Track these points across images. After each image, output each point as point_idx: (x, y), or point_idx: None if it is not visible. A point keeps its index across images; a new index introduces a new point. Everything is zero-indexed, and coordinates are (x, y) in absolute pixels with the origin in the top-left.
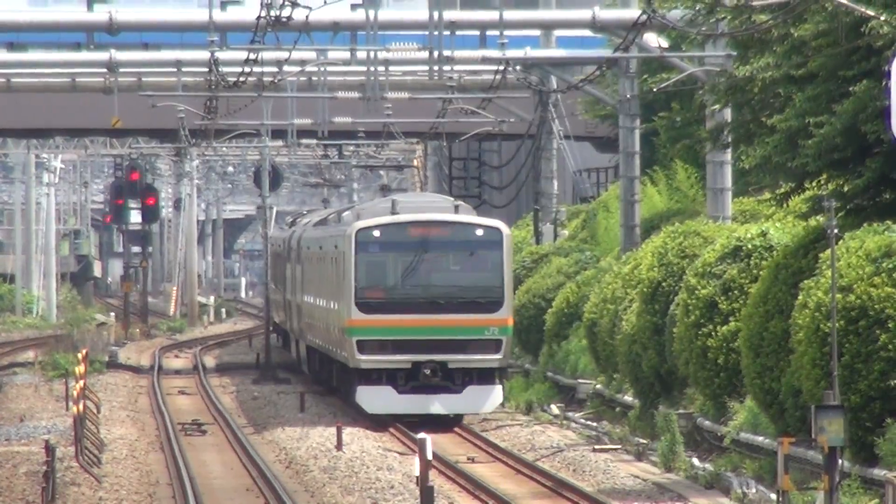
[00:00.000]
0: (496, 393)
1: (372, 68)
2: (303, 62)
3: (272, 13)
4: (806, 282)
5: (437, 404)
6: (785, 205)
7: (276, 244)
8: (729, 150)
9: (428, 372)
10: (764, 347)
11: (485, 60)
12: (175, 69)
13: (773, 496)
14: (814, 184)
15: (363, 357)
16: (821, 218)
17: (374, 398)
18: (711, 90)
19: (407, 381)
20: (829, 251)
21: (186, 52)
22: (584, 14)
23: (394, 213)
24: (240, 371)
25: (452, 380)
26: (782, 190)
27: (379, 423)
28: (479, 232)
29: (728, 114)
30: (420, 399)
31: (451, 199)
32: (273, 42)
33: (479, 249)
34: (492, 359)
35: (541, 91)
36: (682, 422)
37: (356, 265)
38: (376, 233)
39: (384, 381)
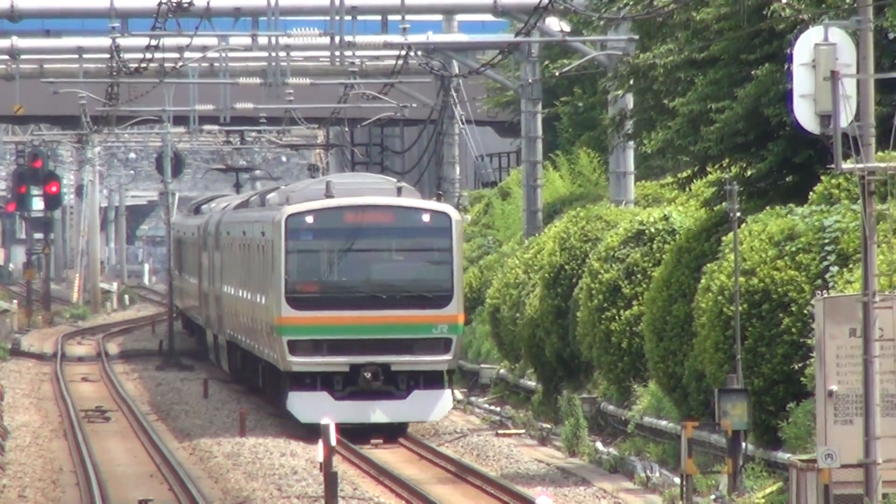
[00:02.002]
0: (445, 398)
1: (273, 54)
2: (204, 48)
3: None
4: (709, 265)
5: (379, 412)
6: (688, 188)
7: (180, 230)
8: None
9: (368, 375)
10: (667, 331)
11: (386, 46)
12: (77, 56)
13: (677, 480)
14: (716, 167)
15: (295, 359)
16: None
17: (308, 406)
18: (614, 76)
19: (345, 386)
20: (731, 234)
21: (88, 38)
22: None
23: (328, 196)
24: (143, 358)
25: (396, 384)
26: (685, 174)
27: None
28: (426, 217)
29: (630, 99)
30: (360, 406)
31: (394, 180)
32: (174, 28)
33: (425, 237)
34: (440, 360)
35: (442, 76)
36: (586, 406)
37: (286, 255)
38: (309, 219)
39: (319, 387)
